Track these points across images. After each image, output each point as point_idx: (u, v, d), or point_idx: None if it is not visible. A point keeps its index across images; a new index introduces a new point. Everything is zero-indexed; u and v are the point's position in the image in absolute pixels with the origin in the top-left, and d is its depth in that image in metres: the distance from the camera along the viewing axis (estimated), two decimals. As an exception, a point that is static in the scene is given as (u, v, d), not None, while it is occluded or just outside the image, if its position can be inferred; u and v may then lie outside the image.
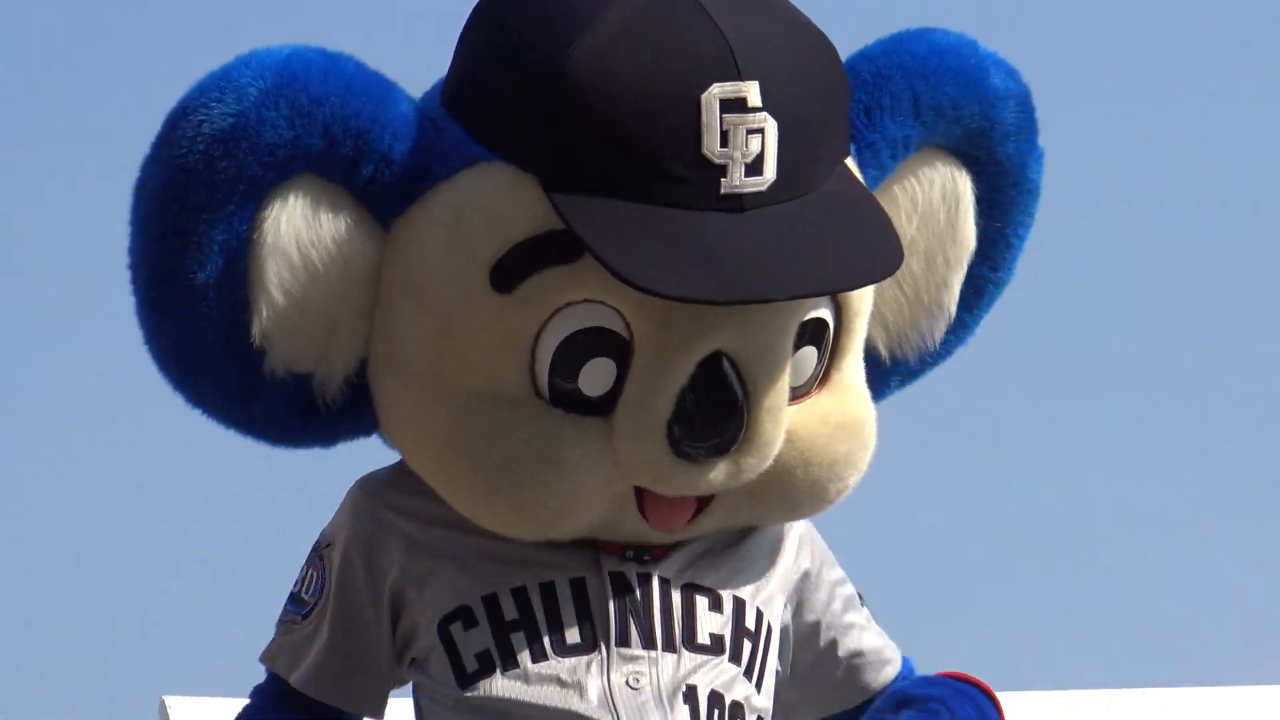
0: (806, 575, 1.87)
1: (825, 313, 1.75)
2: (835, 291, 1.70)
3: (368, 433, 1.81)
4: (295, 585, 1.78)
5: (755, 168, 1.67)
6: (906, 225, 1.85)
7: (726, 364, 1.69)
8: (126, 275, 1.71)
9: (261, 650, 1.82)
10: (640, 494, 1.75)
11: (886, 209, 1.81)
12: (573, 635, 1.74)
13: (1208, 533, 8.80)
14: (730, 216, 1.65)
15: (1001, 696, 6.33)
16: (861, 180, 1.78)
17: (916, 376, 1.98)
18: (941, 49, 1.84)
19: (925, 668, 2.18)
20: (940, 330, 1.92)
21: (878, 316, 1.87)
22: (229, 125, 1.65)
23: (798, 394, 1.78)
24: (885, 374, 1.94)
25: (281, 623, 1.80)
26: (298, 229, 1.70)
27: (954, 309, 1.92)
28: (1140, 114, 8.45)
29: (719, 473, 1.73)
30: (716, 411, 1.71)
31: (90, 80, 8.65)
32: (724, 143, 1.65)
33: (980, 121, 1.84)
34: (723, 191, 1.66)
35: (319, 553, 1.78)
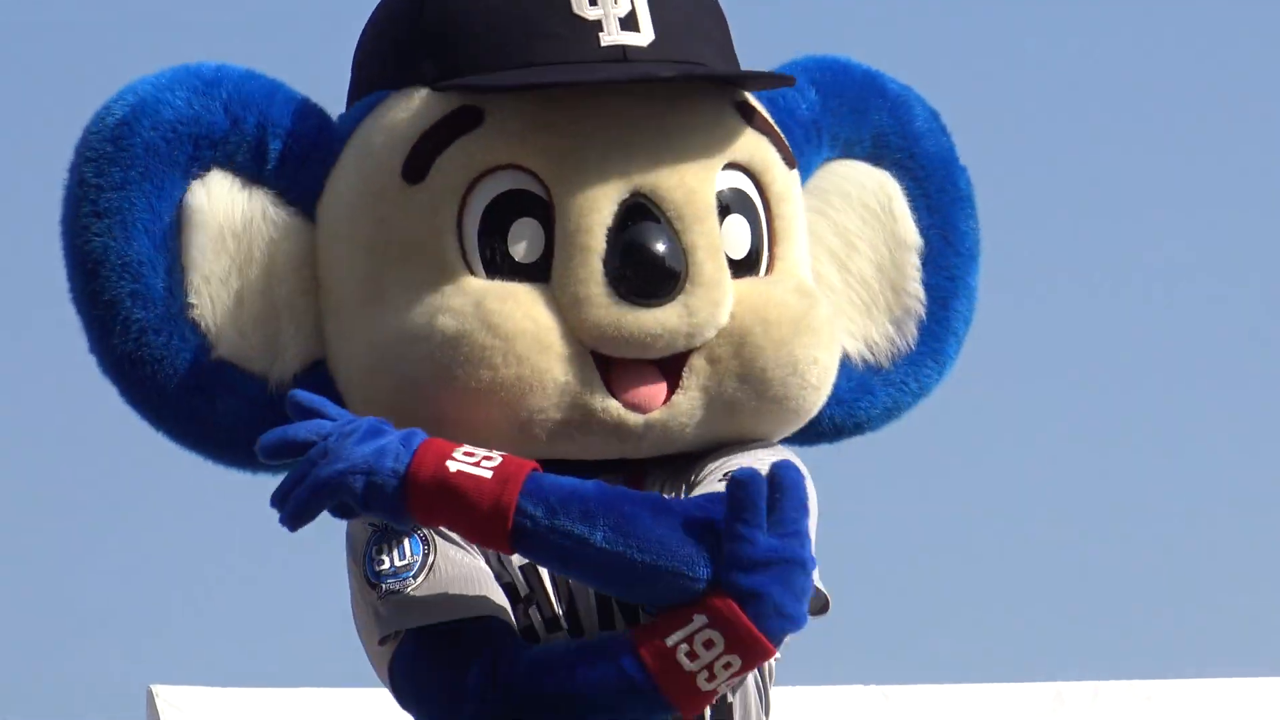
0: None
1: (742, 181, 1.78)
2: (725, 78, 1.76)
3: None
4: (376, 565, 1.73)
5: (630, 24, 1.71)
6: (842, 219, 1.90)
7: (648, 204, 1.71)
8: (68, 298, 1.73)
9: (377, 634, 1.74)
10: (606, 377, 1.74)
11: (818, 205, 1.88)
12: (552, 600, 1.78)
13: (1194, 527, 8.96)
14: (618, 65, 1.70)
15: (990, 688, 6.21)
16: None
17: (908, 395, 1.98)
18: (836, 61, 1.91)
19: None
20: (912, 331, 1.92)
21: (844, 325, 1.89)
22: (128, 111, 1.70)
23: (742, 269, 1.78)
24: (868, 384, 1.94)
25: (388, 595, 1.72)
26: (219, 208, 1.73)
27: (922, 310, 1.91)
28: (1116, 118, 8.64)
29: (670, 315, 1.73)
30: (651, 246, 1.72)
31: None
32: (592, 2, 1.70)
33: (888, 118, 1.89)
34: (603, 44, 1.70)
35: (389, 530, 1.74)
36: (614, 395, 1.74)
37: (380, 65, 1.77)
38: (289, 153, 1.75)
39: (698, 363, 1.73)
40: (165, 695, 5.71)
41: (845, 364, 1.90)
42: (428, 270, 1.71)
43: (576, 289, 1.71)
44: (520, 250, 1.71)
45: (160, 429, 1.76)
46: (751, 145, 1.79)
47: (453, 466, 1.64)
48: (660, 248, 1.70)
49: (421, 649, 1.70)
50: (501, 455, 1.65)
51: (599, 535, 1.63)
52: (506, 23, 1.71)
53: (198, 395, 1.74)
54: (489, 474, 1.64)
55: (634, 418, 1.74)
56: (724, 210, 1.76)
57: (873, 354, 1.92)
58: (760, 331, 1.75)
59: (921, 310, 1.91)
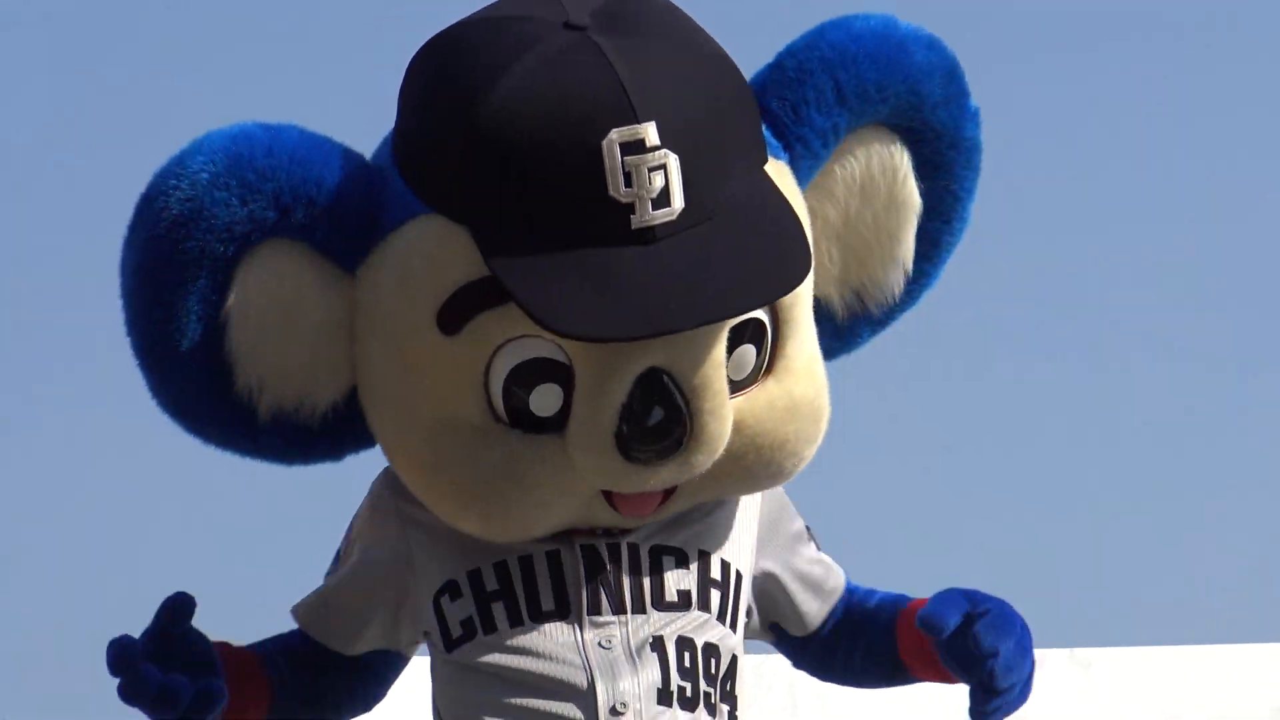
0: (769, 524, 1.93)
1: (760, 314, 1.79)
2: (738, 315, 1.74)
3: (370, 445, 1.88)
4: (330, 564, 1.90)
5: (662, 200, 1.71)
6: (849, 200, 1.90)
7: (664, 377, 1.74)
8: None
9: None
10: (608, 491, 1.79)
11: (826, 188, 1.87)
12: (548, 603, 1.82)
13: (1158, 498, 8.93)
14: (644, 249, 1.70)
15: None
16: (785, 180, 1.82)
17: (885, 325, 2.01)
18: (860, 35, 1.87)
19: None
20: (898, 285, 1.95)
21: (838, 278, 1.92)
22: (187, 210, 1.73)
23: (743, 386, 1.81)
24: (854, 327, 1.99)
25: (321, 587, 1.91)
26: (267, 289, 1.77)
27: (909, 265, 1.94)
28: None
29: (670, 471, 1.78)
30: (659, 420, 1.76)
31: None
32: (628, 183, 1.69)
33: (908, 97, 1.87)
34: (634, 227, 1.70)
35: (350, 532, 1.90)
36: (616, 510, 1.81)
37: (424, 166, 1.76)
38: (336, 232, 1.78)
39: (693, 481, 1.80)
40: None
41: (835, 320, 1.95)
42: (456, 412, 1.76)
43: (588, 453, 1.75)
44: (540, 407, 1.76)
45: (215, 448, 1.86)
46: None
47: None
48: (668, 422, 1.75)
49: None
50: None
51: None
52: (546, 194, 1.70)
53: (246, 437, 1.83)
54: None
55: (630, 521, 1.82)
56: (735, 343, 1.78)
57: (863, 302, 1.96)
58: (754, 455, 1.81)
59: (909, 263, 1.93)
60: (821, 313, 1.93)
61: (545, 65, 1.71)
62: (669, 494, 1.82)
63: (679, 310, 1.69)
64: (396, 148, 1.80)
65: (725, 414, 1.77)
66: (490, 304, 1.73)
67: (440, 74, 1.77)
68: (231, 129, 1.77)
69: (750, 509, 1.92)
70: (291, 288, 1.80)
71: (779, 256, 1.77)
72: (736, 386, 1.79)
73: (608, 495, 1.80)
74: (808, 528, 1.96)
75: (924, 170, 1.92)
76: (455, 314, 1.75)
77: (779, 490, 1.93)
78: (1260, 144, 8.79)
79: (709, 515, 1.90)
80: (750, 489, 1.89)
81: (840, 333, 1.97)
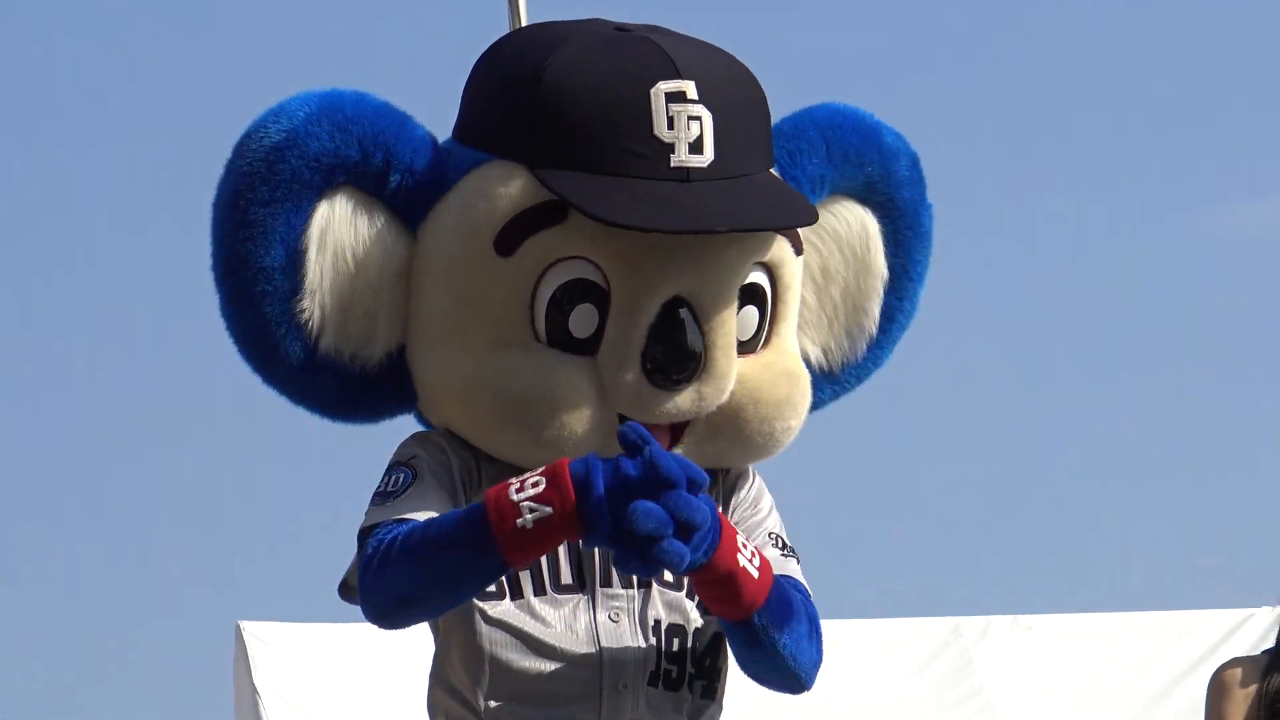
0: (735, 507, 2.00)
1: (761, 278, 1.94)
2: (763, 229, 1.90)
3: (407, 409, 2.01)
4: (380, 488, 1.92)
5: (697, 147, 1.87)
6: (827, 255, 2.07)
7: (685, 308, 1.89)
8: (211, 278, 1.92)
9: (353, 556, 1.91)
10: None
11: (812, 240, 2.02)
12: (566, 577, 1.90)
13: (1073, 483, 9.40)
14: (681, 185, 1.86)
15: (889, 623, 6.33)
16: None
17: (847, 391, 2.16)
18: (843, 112, 2.06)
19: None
20: (862, 346, 2.09)
21: (809, 334, 2.07)
22: (283, 138, 1.89)
23: (746, 348, 1.95)
24: (819, 385, 2.09)
25: (372, 506, 1.91)
26: (341, 230, 1.92)
27: (874, 330, 2.09)
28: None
29: (685, 399, 1.90)
30: (680, 344, 1.89)
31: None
32: (670, 125, 1.87)
33: (879, 169, 2.04)
34: (672, 164, 1.86)
35: (403, 463, 1.95)
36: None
37: (490, 124, 1.94)
38: (405, 183, 1.93)
39: (698, 425, 1.95)
40: (253, 630, 5.78)
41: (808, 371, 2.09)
42: (503, 331, 1.91)
43: (617, 371, 1.90)
44: (578, 327, 1.89)
45: (272, 389, 1.98)
46: (776, 246, 1.96)
47: (740, 562, 1.84)
48: (688, 345, 1.90)
49: (361, 543, 1.89)
50: (760, 557, 1.86)
51: (783, 638, 1.88)
52: (601, 130, 1.88)
53: (303, 374, 1.95)
54: (755, 576, 1.85)
55: None
56: (742, 302, 1.95)
57: (828, 361, 2.10)
58: (751, 409, 1.95)
59: (874, 329, 2.09)
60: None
61: (602, 40, 1.93)
62: (673, 443, 1.93)
63: (713, 218, 1.87)
64: (461, 124, 1.97)
65: (733, 354, 1.92)
66: (542, 225, 1.87)
67: (505, 52, 1.97)
68: (324, 90, 1.98)
69: (733, 502, 2.02)
70: (363, 233, 1.93)
71: (791, 205, 1.96)
72: (741, 348, 1.94)
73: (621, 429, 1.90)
74: (782, 540, 2.06)
75: (887, 245, 2.09)
76: (511, 237, 1.88)
77: (758, 497, 2.03)
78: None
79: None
80: (743, 450, 2.00)
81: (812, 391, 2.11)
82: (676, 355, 1.88)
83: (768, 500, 2.04)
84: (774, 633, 1.90)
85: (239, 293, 1.92)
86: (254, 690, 5.48)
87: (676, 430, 1.92)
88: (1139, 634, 7.46)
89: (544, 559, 1.88)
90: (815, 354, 2.06)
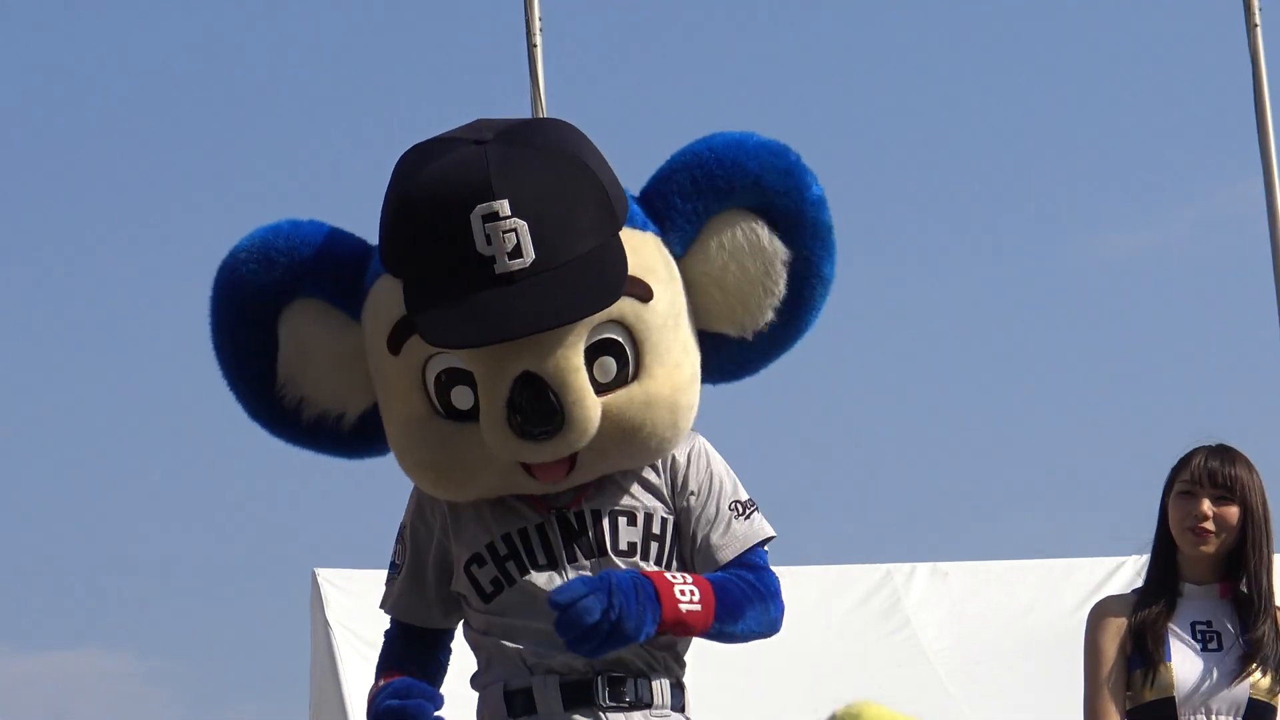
0: (693, 492, 2.29)
1: (614, 332, 2.16)
2: (562, 323, 2.12)
3: None
4: (391, 558, 2.34)
5: (516, 253, 2.09)
6: (725, 262, 2.26)
7: (534, 380, 2.12)
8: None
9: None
10: (528, 468, 2.20)
11: (704, 254, 2.24)
12: (542, 558, 2.24)
13: (996, 435, 10.35)
14: (506, 289, 2.10)
15: (825, 569, 6.86)
16: (646, 246, 2.21)
17: (772, 359, 2.35)
18: (714, 144, 2.27)
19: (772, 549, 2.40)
20: (768, 316, 2.29)
21: (724, 324, 2.28)
22: (232, 278, 2.23)
23: (614, 386, 2.17)
24: (744, 356, 2.32)
25: (386, 581, 2.34)
26: (299, 331, 2.24)
27: (778, 300, 2.27)
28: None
29: (554, 445, 2.14)
30: (535, 410, 2.12)
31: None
32: (489, 241, 2.09)
33: (753, 189, 2.25)
34: (497, 273, 2.10)
35: (400, 534, 2.34)
36: (534, 477, 2.21)
37: (379, 235, 2.24)
38: (340, 289, 2.24)
39: (586, 452, 2.18)
40: (328, 577, 5.95)
41: (726, 345, 2.30)
42: (410, 408, 2.20)
43: (493, 433, 2.16)
44: (460, 401, 2.18)
45: (293, 446, 2.33)
46: (616, 307, 2.16)
47: (683, 609, 2.12)
48: (542, 410, 2.12)
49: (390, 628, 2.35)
50: (699, 589, 2.15)
51: (739, 626, 2.19)
52: (436, 249, 2.13)
53: (305, 435, 2.31)
54: (699, 609, 2.13)
55: (546, 487, 2.24)
56: (595, 353, 2.15)
57: (745, 333, 2.30)
58: (624, 434, 2.19)
59: (777, 301, 2.28)
60: (718, 340, 2.31)
61: (445, 166, 2.14)
62: (573, 466, 2.18)
63: (514, 327, 2.09)
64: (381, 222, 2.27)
65: (589, 401, 2.13)
66: (415, 331, 2.16)
67: (394, 172, 2.23)
68: (270, 224, 2.26)
69: (675, 475, 2.28)
70: (316, 332, 2.23)
71: (595, 291, 2.13)
72: (606, 387, 2.16)
73: (526, 467, 2.17)
74: (739, 504, 2.29)
75: (784, 240, 2.27)
76: (395, 340, 2.17)
77: (705, 480, 2.27)
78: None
79: (648, 489, 2.28)
80: (632, 462, 2.24)
81: (735, 358, 2.33)
82: (535, 418, 2.15)
83: (716, 471, 2.27)
84: (730, 627, 2.21)
85: (237, 387, 2.29)
86: (328, 628, 5.70)
87: (571, 457, 2.20)
88: (1033, 578, 7.81)
89: (521, 548, 2.25)
90: (735, 333, 2.30)
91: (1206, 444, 3.51)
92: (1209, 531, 3.43)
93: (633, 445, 2.22)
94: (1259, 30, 8.18)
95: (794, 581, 6.40)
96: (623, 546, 2.24)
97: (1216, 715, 3.47)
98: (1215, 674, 3.47)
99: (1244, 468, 3.47)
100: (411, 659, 2.32)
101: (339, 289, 2.24)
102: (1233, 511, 3.46)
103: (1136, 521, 3.43)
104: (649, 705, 2.24)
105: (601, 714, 2.22)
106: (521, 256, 2.12)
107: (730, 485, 2.29)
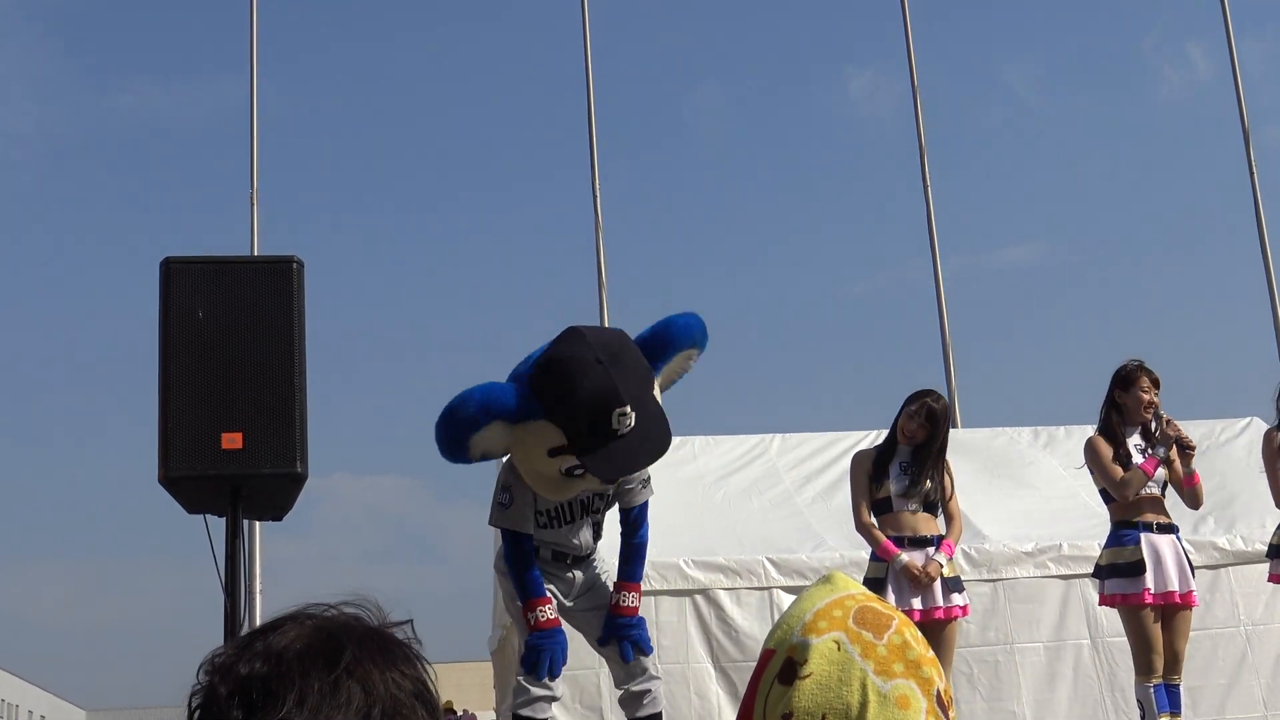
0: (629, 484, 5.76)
1: None
2: (642, 468, 5.01)
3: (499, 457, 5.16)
4: (498, 498, 5.39)
5: (628, 422, 4.71)
6: (669, 369, 5.09)
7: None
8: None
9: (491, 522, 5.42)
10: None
11: (665, 371, 5.10)
12: (569, 517, 5.54)
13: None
14: (622, 439, 4.70)
15: (725, 438, 12.30)
16: (655, 384, 5.00)
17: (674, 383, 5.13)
18: (669, 326, 5.08)
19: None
20: (681, 376, 5.23)
21: (663, 385, 5.10)
22: (459, 417, 4.87)
23: None
24: (665, 389, 5.06)
25: (497, 510, 5.37)
26: (486, 435, 4.87)
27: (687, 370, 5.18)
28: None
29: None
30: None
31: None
32: (618, 423, 4.69)
33: (689, 344, 5.08)
34: (620, 434, 4.71)
35: (506, 488, 5.41)
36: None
37: (547, 403, 4.82)
38: (511, 416, 4.84)
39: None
40: None
41: (663, 390, 5.20)
42: (552, 472, 5.03)
43: (585, 484, 5.09)
44: (573, 473, 5.02)
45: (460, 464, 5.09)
46: None
47: (629, 602, 5.45)
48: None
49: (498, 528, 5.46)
50: (631, 591, 5.42)
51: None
52: (596, 428, 4.77)
53: (469, 462, 5.04)
54: (638, 600, 5.47)
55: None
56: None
57: (670, 384, 5.21)
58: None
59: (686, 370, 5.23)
60: (660, 391, 5.00)
61: (593, 384, 4.66)
62: None
63: (633, 467, 4.80)
64: (534, 384, 4.90)
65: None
66: (565, 452, 4.82)
67: (558, 371, 4.76)
68: (484, 386, 4.88)
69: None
70: (496, 432, 4.84)
71: (661, 435, 4.80)
72: None
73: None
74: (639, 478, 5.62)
75: (677, 348, 5.05)
76: (554, 454, 4.85)
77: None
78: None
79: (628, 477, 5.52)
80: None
81: (663, 390, 5.01)
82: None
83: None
84: (642, 566, 5.47)
85: (450, 459, 4.92)
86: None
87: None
88: (824, 444, 10.56)
89: (559, 512, 5.53)
90: (664, 387, 5.13)
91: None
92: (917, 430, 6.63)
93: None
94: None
95: (701, 447, 10.61)
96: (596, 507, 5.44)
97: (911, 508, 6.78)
98: (906, 485, 6.77)
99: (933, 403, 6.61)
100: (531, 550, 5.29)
101: (510, 416, 4.83)
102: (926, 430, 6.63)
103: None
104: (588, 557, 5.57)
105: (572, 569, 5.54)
106: (630, 423, 4.70)
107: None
